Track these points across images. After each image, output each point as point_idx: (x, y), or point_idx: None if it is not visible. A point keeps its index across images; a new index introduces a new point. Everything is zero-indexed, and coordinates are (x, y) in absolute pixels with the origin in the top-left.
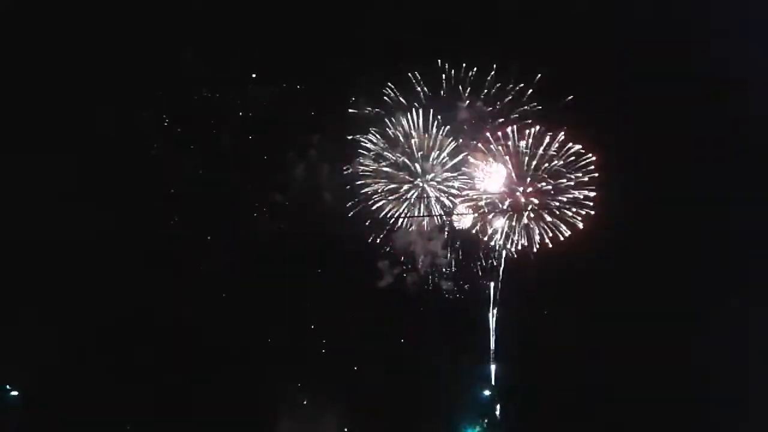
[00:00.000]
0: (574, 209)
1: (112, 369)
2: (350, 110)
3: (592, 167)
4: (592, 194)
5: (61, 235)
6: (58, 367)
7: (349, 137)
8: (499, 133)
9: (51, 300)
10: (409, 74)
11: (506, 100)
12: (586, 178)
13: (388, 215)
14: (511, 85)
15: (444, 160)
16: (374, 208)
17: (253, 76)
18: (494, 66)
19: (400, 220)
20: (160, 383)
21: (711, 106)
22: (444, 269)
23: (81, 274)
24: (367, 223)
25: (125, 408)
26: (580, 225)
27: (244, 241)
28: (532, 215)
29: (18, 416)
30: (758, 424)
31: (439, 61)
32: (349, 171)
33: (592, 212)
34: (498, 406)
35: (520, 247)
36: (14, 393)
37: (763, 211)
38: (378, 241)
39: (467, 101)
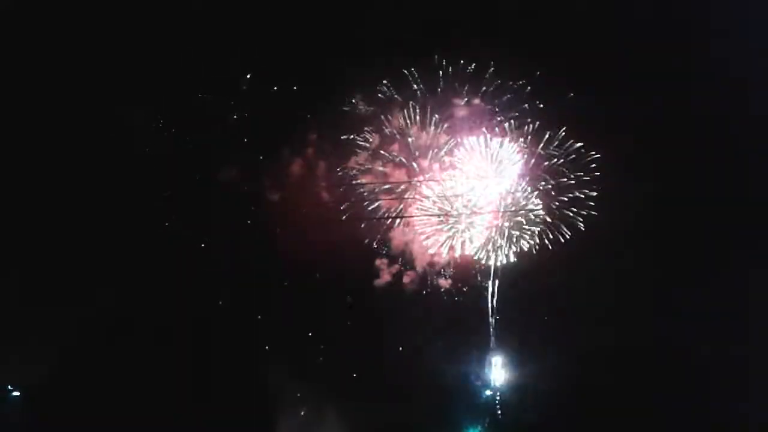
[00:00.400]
0: (574, 209)
1: (113, 369)
2: (346, 108)
3: (594, 165)
4: (594, 194)
5: (61, 234)
6: (59, 367)
7: (344, 137)
8: (497, 130)
9: (51, 299)
10: (405, 71)
11: (505, 98)
12: (587, 177)
13: (385, 215)
14: (510, 83)
15: (441, 158)
16: (370, 208)
17: (248, 76)
18: (492, 63)
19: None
20: (161, 383)
21: (711, 106)
22: (443, 269)
23: (81, 274)
24: (362, 225)
25: (126, 408)
26: (581, 226)
27: (244, 241)
28: (532, 216)
29: (19, 416)
30: (758, 424)
31: (436, 57)
32: (345, 170)
33: (594, 213)
34: (498, 406)
35: (518, 249)
36: (16, 393)
37: (764, 211)
38: (375, 245)
39: (465, 98)
